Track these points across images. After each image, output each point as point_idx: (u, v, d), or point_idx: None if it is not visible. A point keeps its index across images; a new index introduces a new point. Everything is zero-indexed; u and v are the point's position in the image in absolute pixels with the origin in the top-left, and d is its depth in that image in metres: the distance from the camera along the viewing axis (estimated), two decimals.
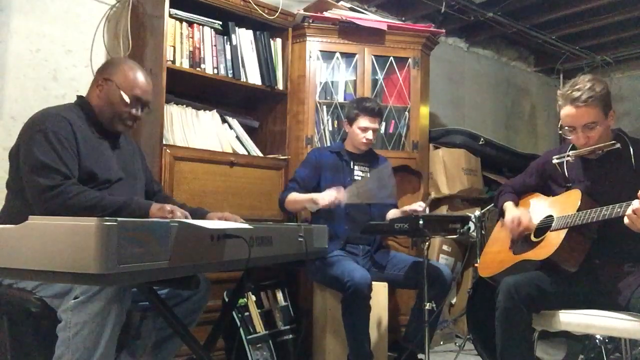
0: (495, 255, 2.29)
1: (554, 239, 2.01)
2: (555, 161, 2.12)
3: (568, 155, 2.08)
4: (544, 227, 2.12)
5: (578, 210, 1.98)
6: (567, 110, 2.00)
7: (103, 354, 1.51)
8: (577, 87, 1.98)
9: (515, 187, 2.41)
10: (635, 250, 1.98)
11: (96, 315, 1.49)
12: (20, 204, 1.76)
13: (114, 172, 1.89)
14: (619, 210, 1.81)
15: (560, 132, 2.09)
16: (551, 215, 2.11)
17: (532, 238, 2.15)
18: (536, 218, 2.19)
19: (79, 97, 1.96)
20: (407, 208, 2.64)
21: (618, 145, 1.95)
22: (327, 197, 2.49)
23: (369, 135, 2.77)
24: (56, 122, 1.77)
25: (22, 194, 1.77)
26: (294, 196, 2.69)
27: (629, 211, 1.75)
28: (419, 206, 2.61)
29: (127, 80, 1.89)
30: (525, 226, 2.15)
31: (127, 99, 1.88)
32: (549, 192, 2.26)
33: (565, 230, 1.98)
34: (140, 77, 1.93)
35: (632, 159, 1.99)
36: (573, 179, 2.13)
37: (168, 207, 1.72)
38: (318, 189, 2.71)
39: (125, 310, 1.58)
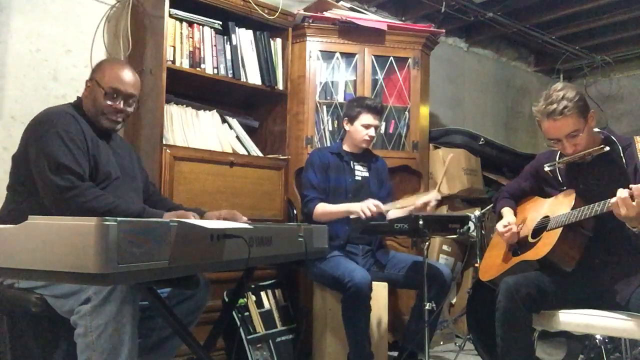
0: (495, 259, 2.30)
1: (550, 238, 2.01)
2: (546, 169, 2.13)
3: (558, 163, 2.09)
4: (541, 227, 2.13)
5: (572, 208, 1.98)
6: (547, 125, 2.01)
7: (130, 350, 1.53)
8: (550, 100, 1.98)
9: (511, 191, 2.41)
10: (633, 250, 1.98)
11: (116, 315, 1.51)
12: (25, 205, 1.76)
13: (113, 169, 1.90)
14: (610, 205, 1.81)
15: (547, 145, 2.11)
16: (548, 216, 2.12)
17: (530, 239, 2.15)
18: (534, 220, 2.19)
19: (78, 99, 1.99)
20: (418, 202, 2.55)
21: (607, 148, 1.95)
22: (368, 208, 2.44)
23: (372, 132, 2.76)
24: (65, 121, 1.79)
25: (28, 196, 1.77)
26: (325, 207, 2.65)
27: (618, 194, 1.76)
28: (434, 198, 2.54)
29: (105, 76, 1.93)
30: (514, 233, 2.17)
31: (105, 91, 1.90)
32: (545, 195, 2.26)
33: (560, 229, 1.99)
34: (120, 71, 1.95)
35: (623, 159, 2.00)
36: (567, 184, 2.14)
37: (179, 214, 1.74)
38: None
39: (138, 306, 1.59)
